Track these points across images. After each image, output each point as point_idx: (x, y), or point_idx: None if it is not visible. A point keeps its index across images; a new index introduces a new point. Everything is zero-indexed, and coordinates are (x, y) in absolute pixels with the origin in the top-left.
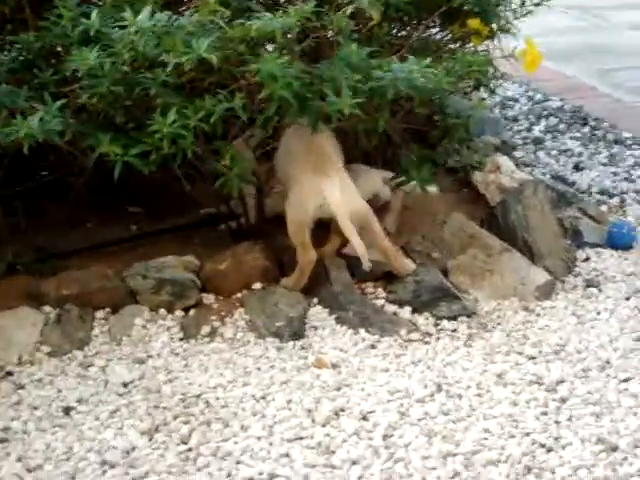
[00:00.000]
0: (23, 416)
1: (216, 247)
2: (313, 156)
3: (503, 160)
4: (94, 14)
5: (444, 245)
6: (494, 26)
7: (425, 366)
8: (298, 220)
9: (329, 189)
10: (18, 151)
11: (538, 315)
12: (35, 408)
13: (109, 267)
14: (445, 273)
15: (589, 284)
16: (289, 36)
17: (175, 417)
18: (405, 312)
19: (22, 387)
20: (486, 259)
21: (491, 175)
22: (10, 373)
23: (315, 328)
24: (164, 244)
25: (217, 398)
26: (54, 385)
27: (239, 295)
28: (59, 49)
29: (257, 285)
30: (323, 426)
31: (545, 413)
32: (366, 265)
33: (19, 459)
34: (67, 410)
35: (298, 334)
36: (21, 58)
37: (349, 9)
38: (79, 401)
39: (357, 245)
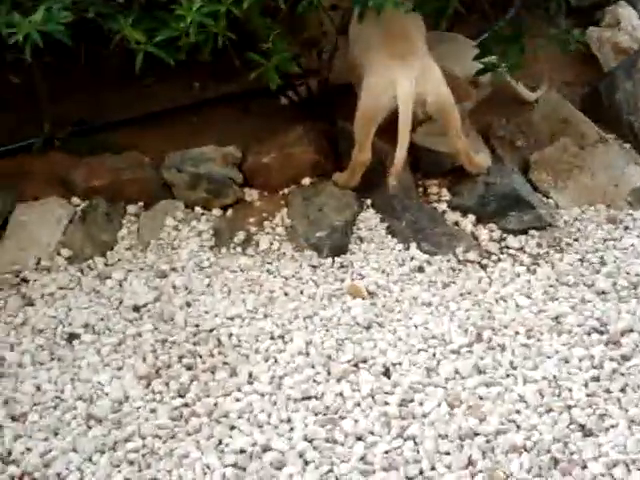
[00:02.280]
0: (23, 343)
1: (273, 120)
2: (390, 39)
3: (626, 13)
4: None
5: (532, 131)
6: None
7: (473, 301)
8: (369, 112)
9: (402, 77)
10: None
11: (626, 229)
12: (40, 331)
13: (154, 144)
14: (526, 167)
15: None
16: None
17: (180, 358)
18: (468, 223)
19: (31, 304)
20: (577, 151)
21: (607, 32)
22: (25, 280)
23: (361, 240)
24: (220, 115)
25: (231, 335)
26: (65, 302)
27: (285, 191)
28: None
29: (306, 180)
30: (338, 381)
31: (597, 378)
32: (392, 186)
33: (6, 402)
34: (71, 338)
35: (339, 248)
36: None
37: None
38: (85, 326)
39: (401, 152)
